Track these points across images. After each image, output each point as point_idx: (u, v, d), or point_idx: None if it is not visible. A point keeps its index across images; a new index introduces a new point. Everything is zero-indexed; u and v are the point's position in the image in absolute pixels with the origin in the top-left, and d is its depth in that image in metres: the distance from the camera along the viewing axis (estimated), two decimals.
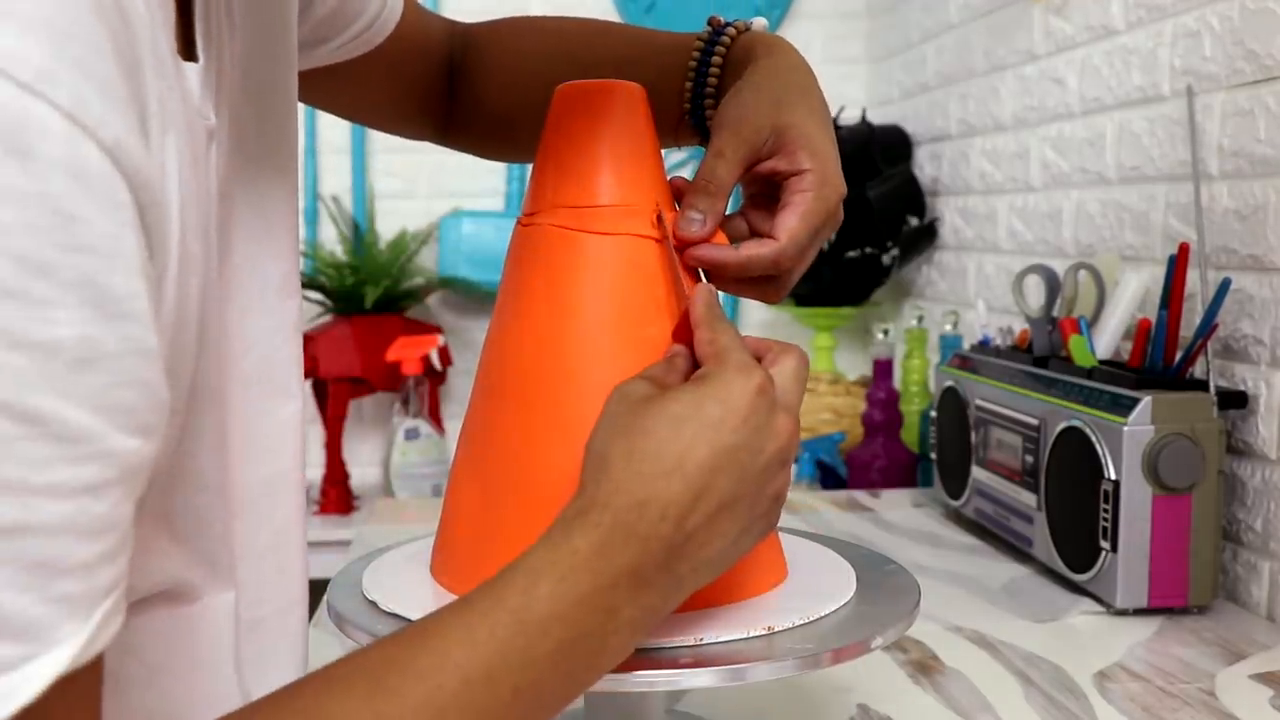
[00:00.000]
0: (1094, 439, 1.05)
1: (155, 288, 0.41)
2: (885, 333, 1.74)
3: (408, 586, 0.65)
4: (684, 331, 0.60)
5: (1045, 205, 1.54)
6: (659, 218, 0.66)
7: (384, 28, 0.79)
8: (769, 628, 0.60)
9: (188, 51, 0.54)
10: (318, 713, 0.45)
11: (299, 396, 0.65)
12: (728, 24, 0.75)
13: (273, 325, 0.63)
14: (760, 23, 0.76)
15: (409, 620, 0.59)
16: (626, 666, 0.54)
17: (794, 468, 1.80)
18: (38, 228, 0.35)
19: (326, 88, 0.79)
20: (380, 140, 2.30)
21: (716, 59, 0.74)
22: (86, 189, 0.36)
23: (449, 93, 0.89)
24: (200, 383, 0.53)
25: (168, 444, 0.50)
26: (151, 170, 0.40)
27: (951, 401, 1.38)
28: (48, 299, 0.35)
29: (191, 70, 0.52)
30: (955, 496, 1.37)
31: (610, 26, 0.86)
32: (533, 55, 0.85)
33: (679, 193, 0.68)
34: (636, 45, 0.81)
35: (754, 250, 0.65)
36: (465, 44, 0.88)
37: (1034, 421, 1.17)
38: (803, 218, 0.65)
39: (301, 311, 0.67)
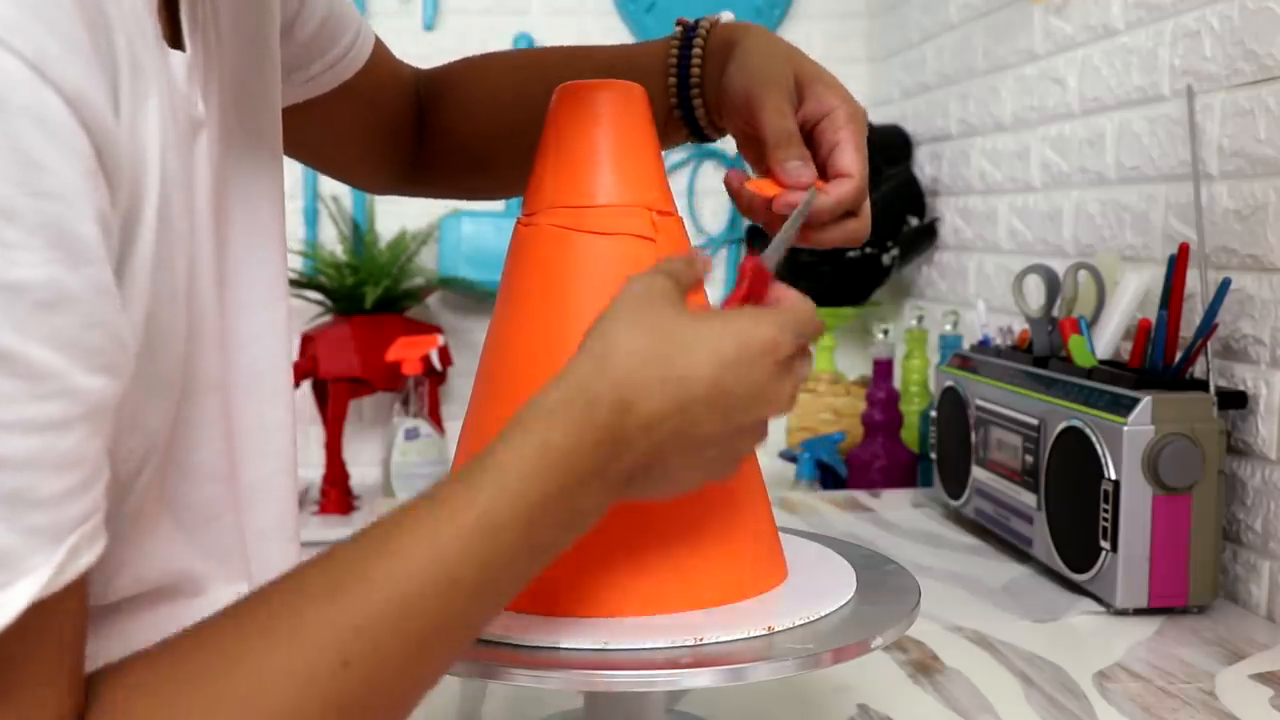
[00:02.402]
0: (1094, 439, 1.05)
1: (119, 238, 0.43)
2: (885, 333, 1.74)
3: None
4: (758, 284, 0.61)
5: (1045, 205, 1.54)
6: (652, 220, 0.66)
7: (356, 59, 0.80)
8: (769, 627, 0.60)
9: (175, 41, 0.54)
10: (283, 620, 0.46)
11: (289, 401, 0.65)
12: (697, 20, 0.78)
13: (262, 326, 0.64)
14: (728, 15, 0.79)
15: None
16: (629, 666, 0.54)
17: (794, 467, 1.80)
18: (4, 173, 0.37)
19: (297, 128, 0.77)
20: None
21: (696, 51, 0.77)
22: (49, 136, 0.38)
23: (418, 133, 0.89)
24: (200, 373, 0.53)
25: (164, 430, 0.50)
26: (120, 130, 0.41)
27: (951, 401, 1.38)
28: (14, 242, 0.37)
29: (178, 59, 0.53)
30: (955, 496, 1.37)
31: (580, 49, 0.87)
32: (507, 85, 0.86)
33: (740, 178, 0.71)
34: (610, 59, 0.83)
35: (841, 189, 0.68)
36: (433, 83, 0.89)
37: (1034, 421, 1.17)
38: (858, 149, 0.69)
39: (290, 316, 0.67)
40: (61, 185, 0.38)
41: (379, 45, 0.83)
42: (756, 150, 0.73)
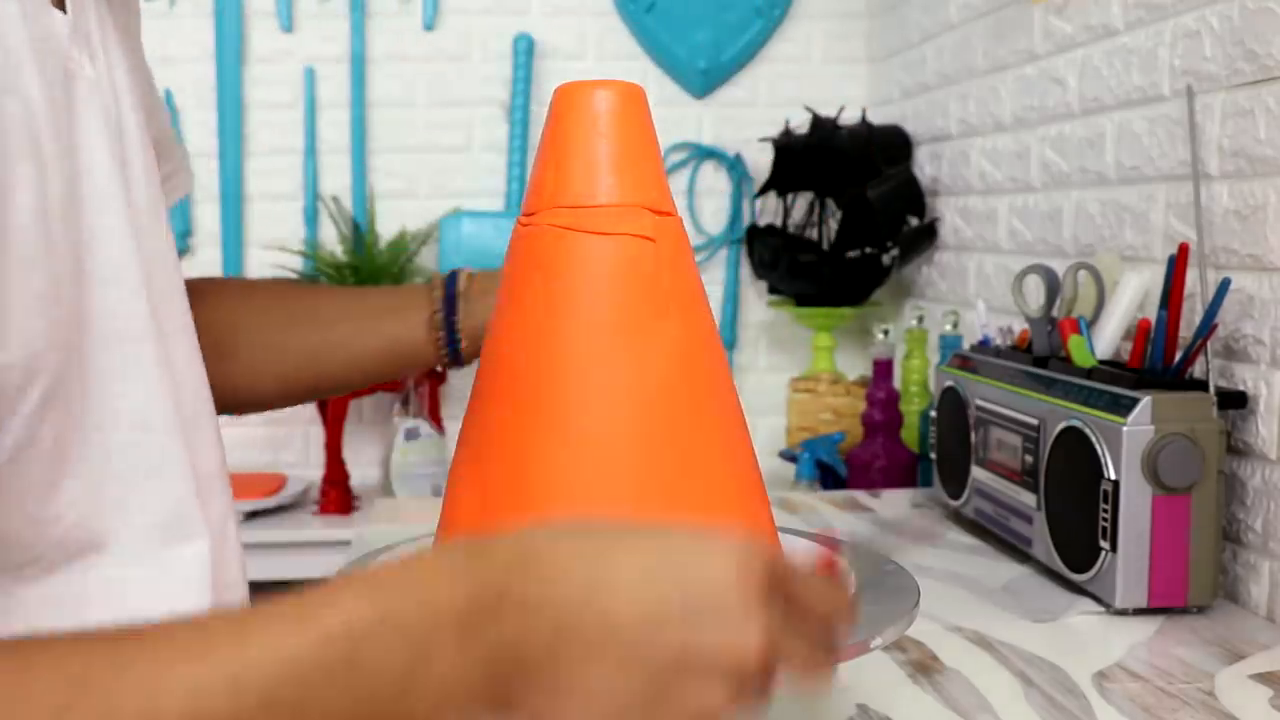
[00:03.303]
0: (1094, 439, 1.05)
1: None
2: (885, 333, 1.74)
3: None
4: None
5: (1045, 205, 1.54)
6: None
7: (173, 192, 0.78)
8: None
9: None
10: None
11: (197, 352, 0.66)
12: (454, 272, 0.88)
13: (169, 281, 0.64)
14: (467, 271, 0.89)
15: None
16: None
17: (794, 467, 1.80)
18: None
19: None
20: (380, 140, 2.30)
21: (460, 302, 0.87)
22: None
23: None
24: (117, 319, 0.54)
25: (53, 360, 0.50)
26: None
27: (951, 401, 1.38)
28: None
29: (60, 17, 0.55)
30: (955, 496, 1.37)
31: (346, 290, 0.95)
32: (292, 350, 0.87)
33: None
34: (380, 296, 0.93)
35: None
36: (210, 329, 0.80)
37: (1034, 421, 1.17)
38: None
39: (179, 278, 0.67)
40: None
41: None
42: None
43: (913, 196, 1.96)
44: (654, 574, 0.43)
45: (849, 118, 2.11)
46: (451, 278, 0.89)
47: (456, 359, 0.88)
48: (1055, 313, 1.26)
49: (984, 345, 1.39)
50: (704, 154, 2.31)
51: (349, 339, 0.86)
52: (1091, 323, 1.22)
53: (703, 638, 0.42)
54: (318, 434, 2.14)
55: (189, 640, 0.40)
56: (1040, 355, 1.24)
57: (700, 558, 0.44)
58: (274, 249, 2.27)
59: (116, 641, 0.40)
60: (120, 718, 0.38)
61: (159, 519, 0.56)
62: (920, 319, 1.81)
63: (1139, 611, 1.04)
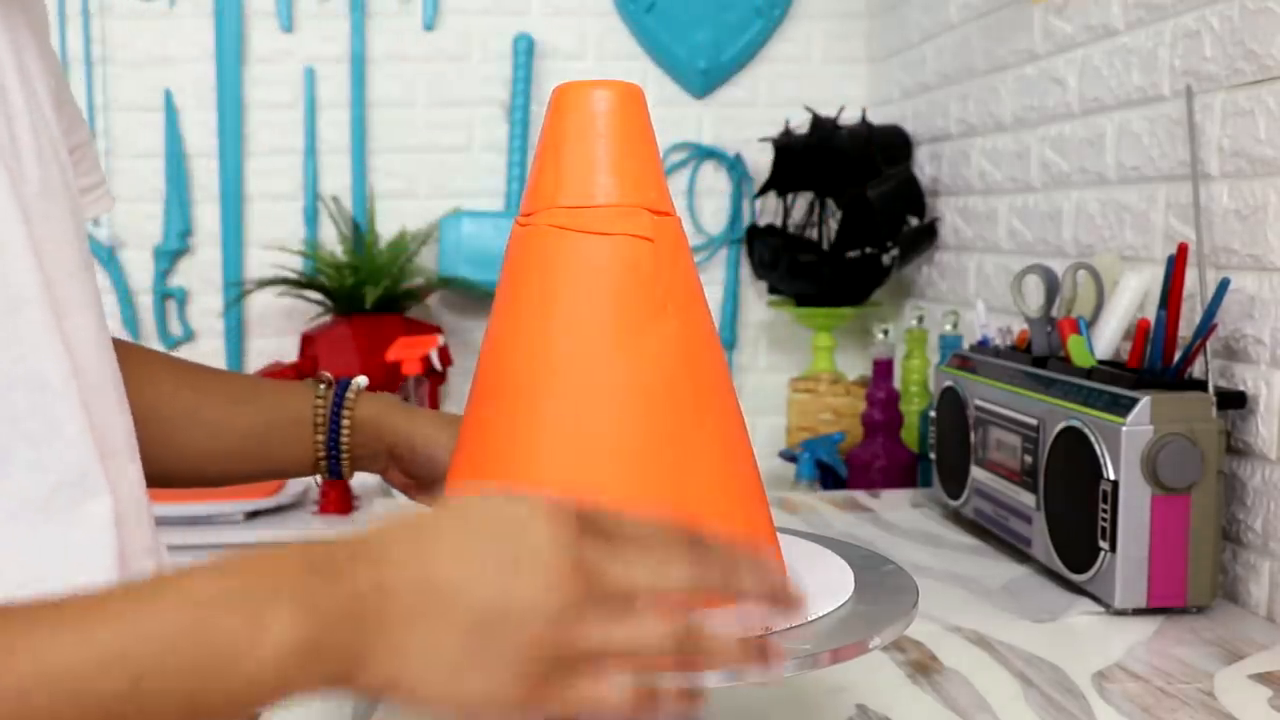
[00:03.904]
0: (1093, 439, 1.05)
1: None
2: (885, 333, 1.74)
3: None
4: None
5: (1045, 205, 1.54)
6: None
7: (93, 205, 0.77)
8: (767, 628, 0.60)
9: None
10: None
11: (98, 312, 0.66)
12: (341, 382, 0.88)
13: (63, 234, 0.64)
14: (360, 381, 0.89)
15: None
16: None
17: (793, 467, 1.80)
18: None
19: None
20: (380, 140, 2.30)
21: (347, 411, 0.87)
22: None
23: None
24: (10, 286, 0.54)
25: None
26: None
27: (951, 401, 1.38)
28: None
29: None
30: (954, 496, 1.37)
31: (244, 378, 0.95)
32: (201, 440, 0.87)
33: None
34: (270, 392, 0.91)
35: None
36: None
37: (1033, 422, 1.17)
38: None
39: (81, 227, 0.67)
40: None
41: None
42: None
43: (913, 196, 1.96)
44: (470, 537, 0.47)
45: (849, 118, 2.11)
46: (342, 385, 0.88)
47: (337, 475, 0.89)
48: (1055, 313, 1.26)
49: (983, 345, 1.39)
50: (704, 154, 2.31)
51: (230, 451, 0.86)
52: (1091, 323, 1.22)
53: (518, 583, 0.46)
54: None
55: (61, 612, 0.43)
56: (1040, 355, 1.24)
57: (513, 514, 0.47)
58: (274, 249, 2.27)
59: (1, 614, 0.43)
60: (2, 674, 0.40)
61: (62, 478, 0.57)
62: (920, 319, 1.81)
63: (1138, 612, 1.04)
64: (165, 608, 0.43)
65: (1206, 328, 1.05)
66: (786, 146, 2.10)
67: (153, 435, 0.77)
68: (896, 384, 1.77)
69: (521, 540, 0.46)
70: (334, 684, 0.46)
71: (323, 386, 0.87)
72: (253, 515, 2.02)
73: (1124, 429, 1.02)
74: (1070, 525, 1.10)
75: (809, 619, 0.61)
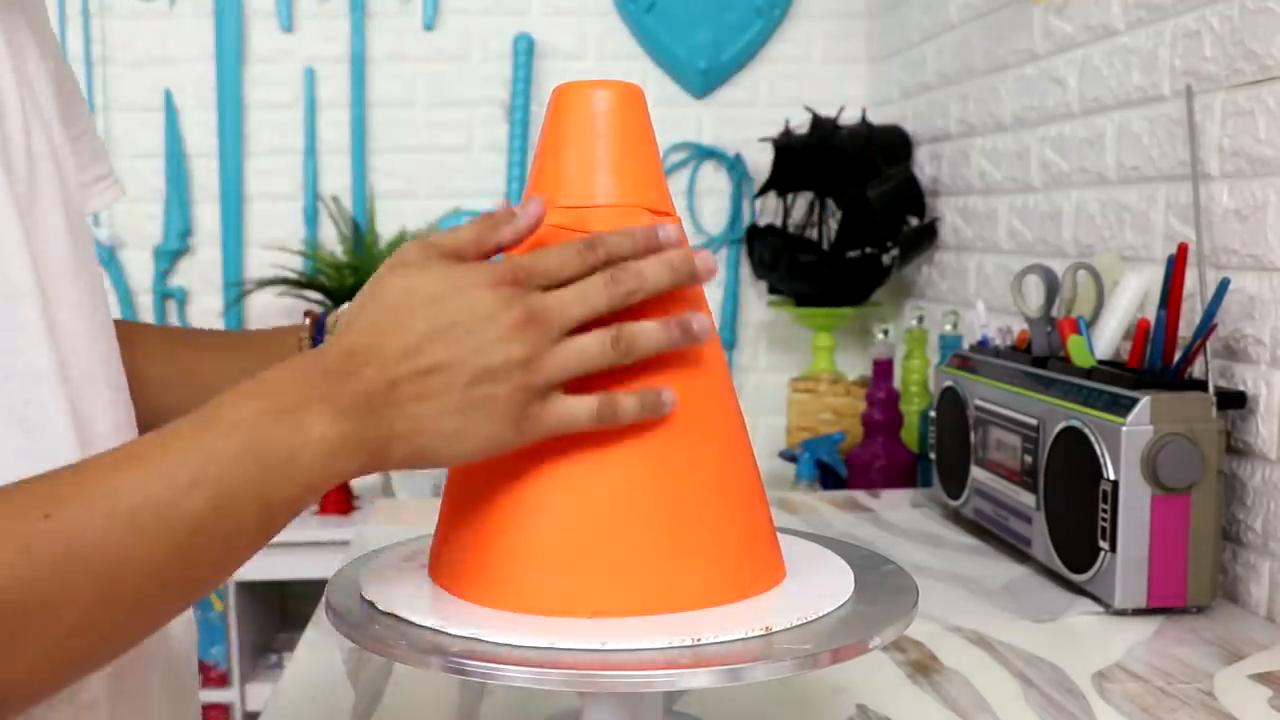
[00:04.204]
0: (1093, 439, 1.05)
1: None
2: (885, 333, 1.74)
3: (405, 586, 0.65)
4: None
5: (1045, 205, 1.54)
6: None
7: (99, 201, 0.77)
8: (767, 628, 0.60)
9: None
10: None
11: (93, 305, 0.66)
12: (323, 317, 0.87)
13: (55, 227, 0.64)
14: (342, 309, 0.88)
15: (407, 621, 0.60)
16: (627, 666, 0.54)
17: (793, 467, 1.80)
18: None
19: None
20: (380, 140, 2.30)
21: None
22: None
23: None
24: (3, 280, 0.56)
25: None
26: None
27: (951, 401, 1.38)
28: None
29: None
30: (954, 496, 1.37)
31: (215, 333, 0.93)
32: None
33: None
34: (245, 338, 0.90)
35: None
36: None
37: (1033, 422, 1.17)
38: None
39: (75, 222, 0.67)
40: None
41: None
42: None
43: (913, 196, 1.96)
44: (438, 318, 0.56)
45: (849, 118, 2.11)
46: (321, 317, 0.88)
47: None
48: (1055, 313, 1.26)
49: (983, 345, 1.39)
50: (704, 154, 2.31)
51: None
52: (1091, 323, 1.22)
53: (490, 347, 0.56)
54: None
55: (130, 454, 0.52)
56: (1040, 355, 1.24)
57: (458, 283, 0.57)
58: (274, 249, 2.27)
59: (75, 468, 0.51)
60: (93, 513, 0.49)
61: (49, 466, 0.57)
62: (920, 319, 1.81)
63: (1138, 612, 1.04)
64: (218, 436, 0.52)
65: (1206, 328, 1.05)
66: (786, 146, 2.10)
67: (152, 397, 0.78)
68: (896, 384, 1.77)
69: (477, 308, 0.56)
70: (370, 465, 0.56)
71: (308, 322, 0.87)
72: None
73: (1124, 429, 1.02)
74: (1070, 525, 1.10)
75: (809, 619, 0.61)
